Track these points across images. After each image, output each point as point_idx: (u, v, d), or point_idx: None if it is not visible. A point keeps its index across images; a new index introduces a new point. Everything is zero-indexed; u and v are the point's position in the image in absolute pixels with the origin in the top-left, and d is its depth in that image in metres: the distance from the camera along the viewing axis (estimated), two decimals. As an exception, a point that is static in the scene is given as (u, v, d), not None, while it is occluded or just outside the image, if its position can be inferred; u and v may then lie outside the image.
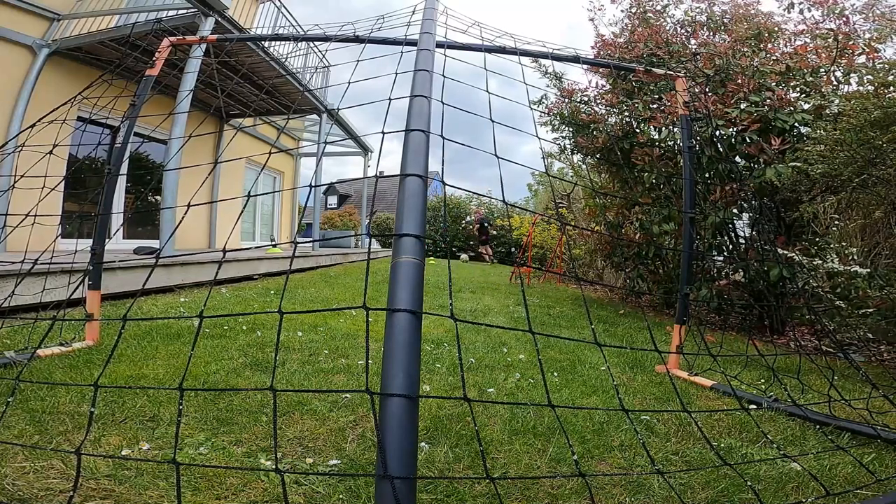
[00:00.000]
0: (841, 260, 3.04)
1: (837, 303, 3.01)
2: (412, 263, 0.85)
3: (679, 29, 4.76)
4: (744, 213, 4.01)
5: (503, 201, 1.19)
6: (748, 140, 3.47)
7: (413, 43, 1.89)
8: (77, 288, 2.05)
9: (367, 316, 0.77)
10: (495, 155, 1.22)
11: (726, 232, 4.23)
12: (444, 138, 1.13)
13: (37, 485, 1.11)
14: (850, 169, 2.74)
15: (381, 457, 0.66)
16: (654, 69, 2.98)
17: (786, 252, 3.13)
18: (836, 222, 3.33)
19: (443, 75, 1.42)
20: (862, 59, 3.45)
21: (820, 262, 2.98)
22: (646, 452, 1.42)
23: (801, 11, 4.08)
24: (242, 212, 1.28)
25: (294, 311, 0.87)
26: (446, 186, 1.04)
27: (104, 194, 2.32)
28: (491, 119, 1.33)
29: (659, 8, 4.94)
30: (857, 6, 3.79)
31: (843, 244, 3.20)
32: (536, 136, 1.62)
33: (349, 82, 1.50)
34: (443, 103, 1.24)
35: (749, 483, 1.27)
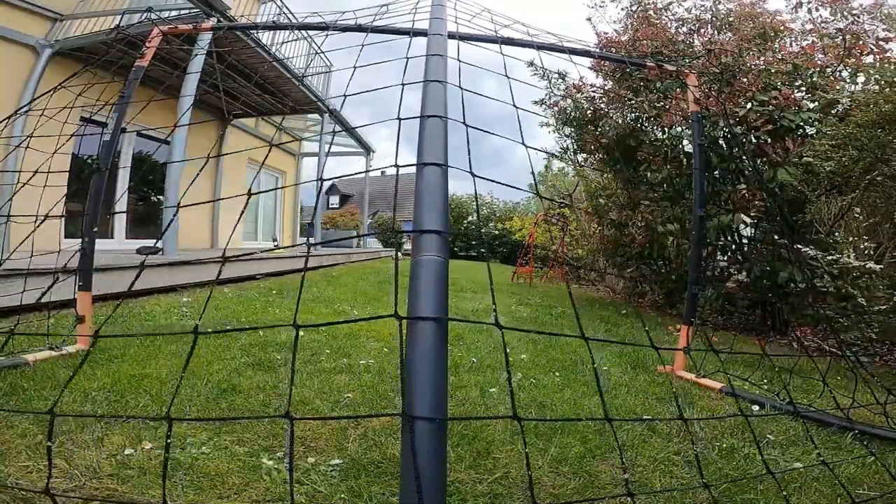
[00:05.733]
0: (857, 256, 3.02)
1: (857, 298, 2.95)
2: (436, 261, 0.75)
3: (681, 27, 4.74)
4: (749, 215, 3.99)
5: (536, 193, 1.16)
6: (757, 140, 3.46)
7: (420, 33, 1.85)
8: (50, 288, 1.94)
9: (399, 328, 0.68)
10: (523, 144, 1.17)
11: (730, 233, 4.22)
12: (467, 126, 1.06)
13: (40, 484, 1.12)
14: (860, 166, 2.73)
15: (418, 488, 0.57)
16: (665, 64, 2.95)
17: (800, 247, 3.10)
18: (857, 215, 3.28)
19: (458, 59, 1.35)
20: (869, 59, 3.44)
21: (837, 255, 2.94)
22: (655, 455, 1.41)
23: (809, 11, 4.07)
24: (244, 210, 1.25)
25: (311, 324, 0.83)
26: (476, 178, 0.94)
27: (93, 190, 2.28)
28: (514, 105, 1.27)
29: (661, 6, 4.91)
30: (866, 6, 3.78)
31: (863, 238, 3.16)
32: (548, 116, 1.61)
33: (354, 67, 1.44)
34: (461, 88, 1.19)
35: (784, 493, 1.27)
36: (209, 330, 2.72)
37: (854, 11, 3.76)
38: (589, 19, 5.44)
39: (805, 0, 4.09)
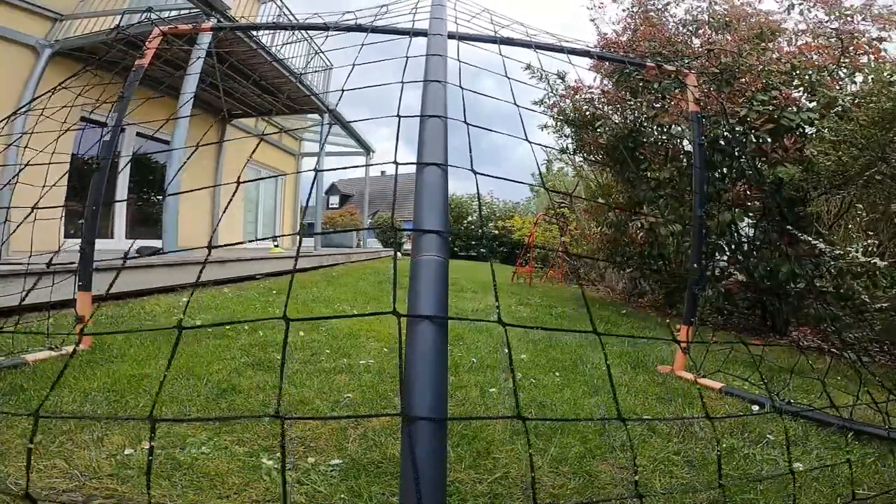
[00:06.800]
0: (864, 252, 3.01)
1: (861, 296, 2.94)
2: (436, 261, 0.75)
3: (681, 28, 4.74)
4: (749, 213, 3.99)
5: (543, 185, 1.17)
6: (758, 140, 3.47)
7: (420, 33, 1.85)
8: (33, 288, 1.92)
9: (399, 325, 0.68)
10: (526, 139, 1.16)
11: (730, 231, 4.22)
12: (468, 124, 1.06)
13: (40, 484, 1.12)
14: (860, 163, 2.73)
15: (418, 488, 0.57)
16: (665, 65, 2.96)
17: (810, 239, 3.07)
18: (859, 212, 3.26)
19: (458, 59, 1.36)
20: (864, 58, 3.45)
21: (847, 249, 2.93)
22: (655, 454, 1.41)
23: (801, 12, 4.08)
24: (232, 197, 1.22)
25: (301, 317, 0.81)
26: (478, 176, 0.94)
27: (93, 189, 2.28)
28: (516, 104, 1.27)
29: (660, 6, 4.91)
30: (857, 6, 3.79)
31: (867, 233, 3.15)
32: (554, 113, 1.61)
33: (354, 64, 1.44)
34: (461, 88, 1.19)
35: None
36: (208, 330, 2.72)
37: (847, 12, 3.76)
38: (593, 20, 5.42)
39: (797, 1, 4.10)
